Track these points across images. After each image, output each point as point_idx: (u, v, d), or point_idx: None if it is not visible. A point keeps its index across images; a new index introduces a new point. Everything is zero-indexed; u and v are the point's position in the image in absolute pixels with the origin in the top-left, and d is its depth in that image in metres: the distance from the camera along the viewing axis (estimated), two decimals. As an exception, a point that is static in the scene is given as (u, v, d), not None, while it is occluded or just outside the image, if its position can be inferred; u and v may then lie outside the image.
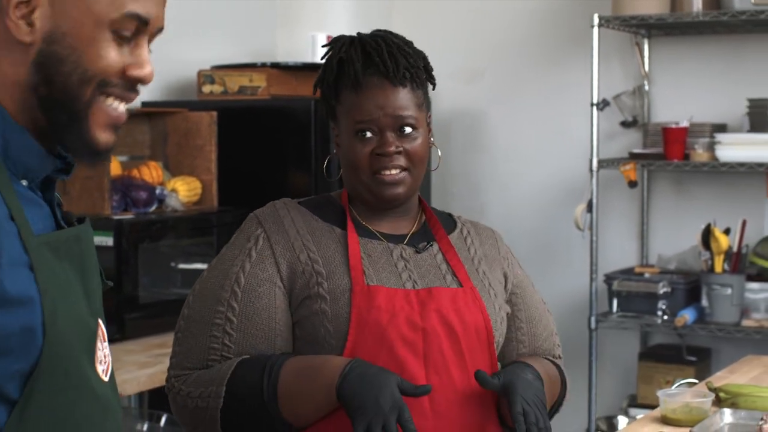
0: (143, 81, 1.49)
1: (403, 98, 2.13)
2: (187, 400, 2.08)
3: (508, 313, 2.26)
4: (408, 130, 2.13)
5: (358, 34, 2.20)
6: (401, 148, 2.12)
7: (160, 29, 1.52)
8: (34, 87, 1.44)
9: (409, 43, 2.18)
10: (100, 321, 1.53)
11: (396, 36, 2.19)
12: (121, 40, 1.46)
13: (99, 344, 1.51)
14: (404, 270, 2.15)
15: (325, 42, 4.71)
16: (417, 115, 2.14)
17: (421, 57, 2.18)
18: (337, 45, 2.19)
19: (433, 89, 2.23)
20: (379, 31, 2.20)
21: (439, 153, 2.27)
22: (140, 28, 1.48)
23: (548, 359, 2.31)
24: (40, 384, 1.39)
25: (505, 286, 2.28)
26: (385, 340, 2.06)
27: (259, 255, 2.12)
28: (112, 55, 1.46)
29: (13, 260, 1.37)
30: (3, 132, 1.43)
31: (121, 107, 1.49)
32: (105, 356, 1.54)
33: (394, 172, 2.12)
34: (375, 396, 1.94)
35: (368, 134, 2.11)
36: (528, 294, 2.32)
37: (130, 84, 1.49)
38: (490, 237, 2.33)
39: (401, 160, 2.12)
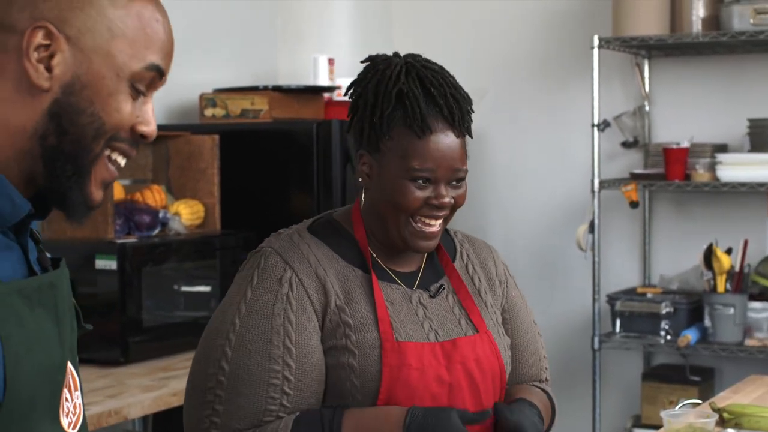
0: (148, 138, 1.45)
1: (461, 150, 2.08)
2: None
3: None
4: (459, 182, 2.09)
5: (405, 59, 2.09)
6: (452, 201, 2.07)
7: (163, 83, 1.48)
8: (42, 136, 1.38)
9: (459, 86, 2.10)
10: (72, 369, 1.45)
11: (448, 73, 2.11)
12: (135, 93, 1.43)
13: (67, 395, 1.43)
14: (425, 319, 2.11)
15: (326, 64, 4.75)
16: (466, 167, 2.09)
17: (470, 102, 2.12)
18: (391, 71, 2.07)
19: (470, 138, 2.14)
20: (428, 61, 2.11)
21: None
22: (154, 82, 1.44)
23: (537, 386, 2.28)
24: None
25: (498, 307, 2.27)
26: (416, 398, 2.03)
27: (298, 302, 2.02)
28: (128, 110, 1.42)
29: None
30: None
31: (122, 164, 1.45)
32: (75, 407, 1.45)
33: (437, 224, 2.07)
34: None
35: (423, 181, 2.04)
36: (519, 318, 2.28)
37: (134, 140, 1.45)
38: (489, 257, 2.30)
39: (447, 211, 2.08)
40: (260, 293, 2.03)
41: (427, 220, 2.07)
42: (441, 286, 2.18)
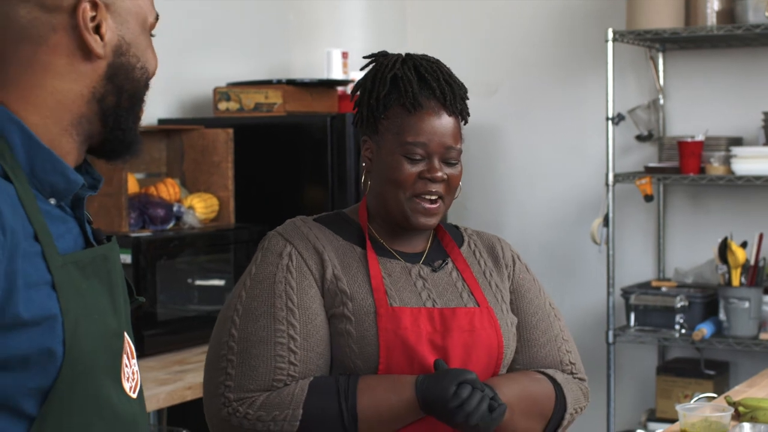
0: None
1: (454, 128, 2.16)
2: (257, 424, 2.05)
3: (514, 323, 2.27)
4: (452, 160, 2.16)
5: (407, 54, 2.21)
6: (445, 176, 2.14)
7: None
8: (101, 98, 1.50)
9: (455, 75, 2.20)
10: (127, 337, 1.55)
11: (444, 65, 2.21)
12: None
13: (126, 361, 1.53)
14: (423, 289, 2.18)
15: (340, 58, 4.76)
16: (460, 146, 2.17)
17: (465, 90, 2.21)
18: (388, 60, 2.19)
19: (465, 124, 2.22)
20: (426, 56, 2.22)
21: (461, 184, 2.23)
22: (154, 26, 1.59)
23: (545, 373, 2.25)
24: (58, 402, 1.41)
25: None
26: (415, 361, 2.10)
27: (298, 271, 2.13)
28: (155, 55, 1.56)
29: (31, 281, 1.38)
30: (28, 152, 1.45)
31: None
32: (133, 373, 1.56)
33: (434, 199, 2.14)
34: (442, 395, 2.02)
35: (417, 156, 2.13)
36: (527, 300, 2.31)
37: None
38: (497, 244, 2.35)
39: (442, 187, 2.15)
40: (263, 267, 2.15)
41: (425, 197, 2.14)
42: (444, 261, 2.25)
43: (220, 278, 4.07)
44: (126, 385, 1.52)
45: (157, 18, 1.57)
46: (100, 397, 1.46)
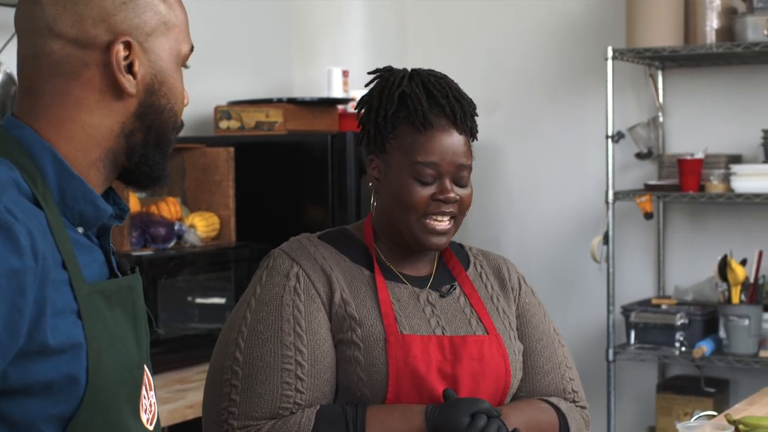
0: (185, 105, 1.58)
1: (465, 145, 2.12)
2: None
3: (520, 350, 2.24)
4: (463, 180, 2.12)
5: (413, 69, 2.16)
6: (458, 196, 2.10)
7: None
8: (129, 134, 1.49)
9: (463, 91, 2.16)
10: (146, 369, 1.54)
11: (451, 80, 2.16)
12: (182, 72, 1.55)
13: (144, 392, 1.52)
14: (432, 316, 2.13)
15: (340, 76, 4.76)
16: (471, 164, 2.13)
17: (474, 106, 2.17)
18: (394, 76, 2.13)
19: (474, 141, 2.18)
20: (433, 71, 2.17)
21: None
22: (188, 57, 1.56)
23: (549, 402, 2.23)
24: (79, 430, 1.40)
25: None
26: (424, 390, 2.06)
27: (306, 294, 2.07)
28: (184, 89, 1.56)
29: (58, 309, 1.38)
30: (60, 180, 1.45)
31: None
32: (150, 405, 1.55)
33: (445, 219, 2.10)
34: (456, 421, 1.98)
35: (428, 178, 2.08)
36: (532, 325, 2.27)
37: None
38: (503, 266, 2.31)
39: (454, 208, 2.10)
40: (269, 288, 2.08)
41: (437, 218, 2.10)
42: (452, 286, 2.20)
43: (221, 296, 4.07)
44: (143, 417, 1.52)
45: (192, 49, 1.55)
46: (119, 427, 1.45)
